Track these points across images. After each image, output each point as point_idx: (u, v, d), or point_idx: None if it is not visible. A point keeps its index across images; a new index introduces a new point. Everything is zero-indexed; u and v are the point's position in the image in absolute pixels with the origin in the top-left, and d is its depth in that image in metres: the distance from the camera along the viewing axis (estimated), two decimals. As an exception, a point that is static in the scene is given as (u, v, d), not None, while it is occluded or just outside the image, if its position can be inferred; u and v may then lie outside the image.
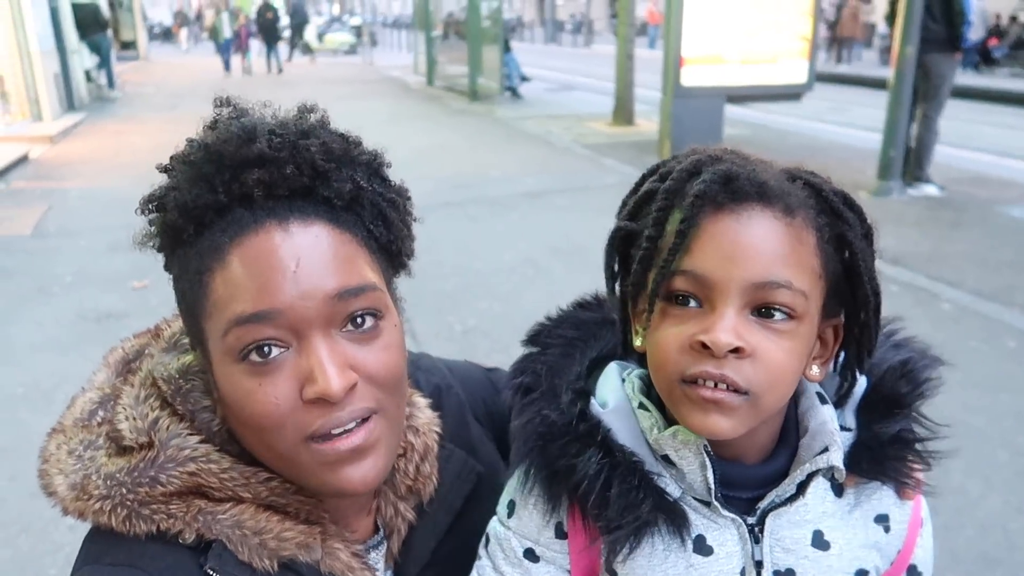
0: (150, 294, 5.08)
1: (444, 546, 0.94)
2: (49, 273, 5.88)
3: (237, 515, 0.78)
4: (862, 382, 0.84)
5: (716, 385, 0.71)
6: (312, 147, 0.76)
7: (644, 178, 0.82)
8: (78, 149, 10.87)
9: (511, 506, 0.87)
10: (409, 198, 0.86)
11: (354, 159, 0.80)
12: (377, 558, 0.91)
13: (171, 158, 0.79)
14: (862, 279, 0.75)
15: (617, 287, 0.84)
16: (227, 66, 21.84)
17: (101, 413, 0.82)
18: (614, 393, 0.84)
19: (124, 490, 0.76)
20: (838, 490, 0.82)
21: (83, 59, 15.48)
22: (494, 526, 0.89)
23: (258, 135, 0.75)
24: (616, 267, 0.83)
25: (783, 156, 0.79)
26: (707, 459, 0.77)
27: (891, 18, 7.39)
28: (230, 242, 0.74)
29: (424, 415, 0.96)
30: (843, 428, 0.82)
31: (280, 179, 0.74)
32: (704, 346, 0.70)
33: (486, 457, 1.02)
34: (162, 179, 0.80)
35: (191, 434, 0.79)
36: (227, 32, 21.53)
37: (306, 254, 0.73)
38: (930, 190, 7.54)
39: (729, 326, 0.70)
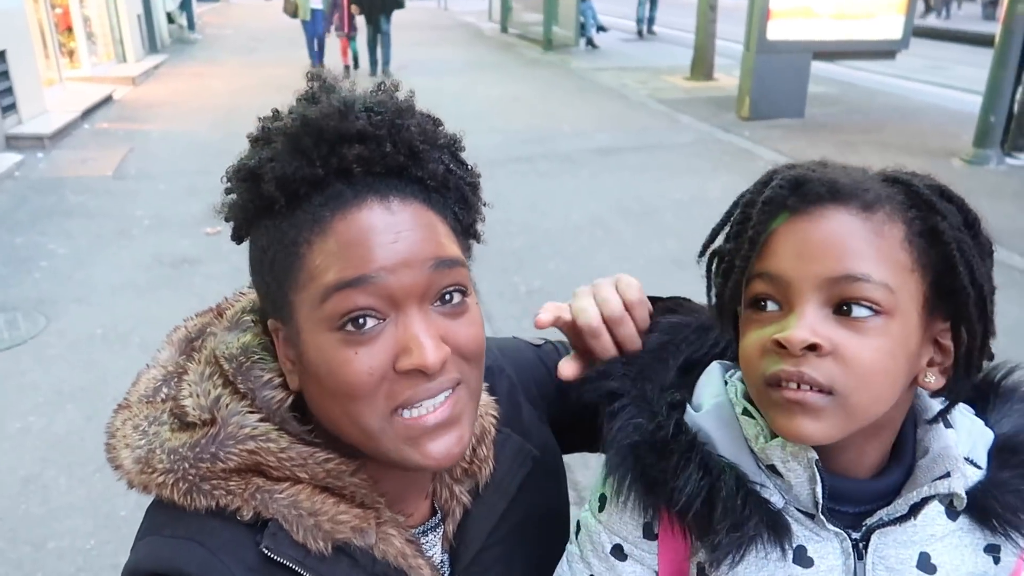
0: (223, 240, 5.17)
1: (498, 530, 0.95)
2: (129, 215, 6.08)
3: (294, 495, 0.79)
4: (988, 434, 0.81)
5: (799, 386, 0.69)
6: (411, 127, 0.78)
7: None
8: (159, 91, 11.13)
9: (603, 500, 0.87)
10: (479, 182, 0.87)
11: (439, 141, 0.81)
12: (434, 541, 0.92)
13: (263, 128, 0.80)
14: (958, 271, 0.72)
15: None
16: (317, 59, 12.19)
17: (165, 390, 0.85)
18: (714, 397, 0.83)
19: (186, 465, 0.78)
20: (952, 514, 0.79)
21: (165, 0, 15.75)
22: (585, 516, 0.89)
23: (357, 111, 0.77)
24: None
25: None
26: (817, 473, 0.74)
27: (1002, -29, 6.86)
28: (332, 216, 0.75)
29: (481, 398, 0.95)
30: (972, 464, 0.79)
31: (379, 156, 0.76)
32: (781, 345, 0.70)
33: (539, 440, 1.02)
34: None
35: (251, 412, 0.80)
36: (315, 0, 12.35)
37: (406, 227, 0.75)
38: (1032, 160, 7.07)
39: (804, 323, 0.69)
